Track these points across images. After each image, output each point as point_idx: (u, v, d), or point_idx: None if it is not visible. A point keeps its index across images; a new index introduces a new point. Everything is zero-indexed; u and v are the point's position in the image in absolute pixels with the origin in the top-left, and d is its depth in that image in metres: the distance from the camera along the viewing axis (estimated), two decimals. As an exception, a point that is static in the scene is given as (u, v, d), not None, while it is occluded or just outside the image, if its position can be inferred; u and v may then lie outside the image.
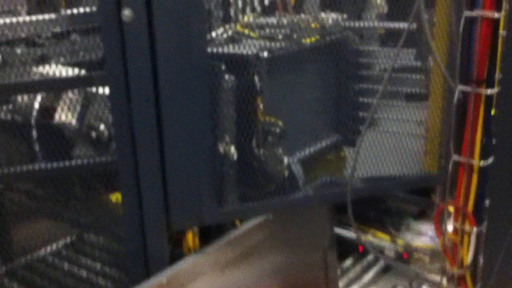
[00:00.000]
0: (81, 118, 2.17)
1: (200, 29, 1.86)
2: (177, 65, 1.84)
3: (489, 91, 1.27)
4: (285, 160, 2.38)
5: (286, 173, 2.39)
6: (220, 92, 2.28)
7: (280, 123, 2.38)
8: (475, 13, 1.25)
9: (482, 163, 1.30)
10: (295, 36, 2.55)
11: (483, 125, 1.30)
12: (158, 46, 1.80)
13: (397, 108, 2.76)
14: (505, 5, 1.24)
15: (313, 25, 2.62)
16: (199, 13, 1.84)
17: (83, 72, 2.08)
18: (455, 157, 1.33)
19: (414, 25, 2.39)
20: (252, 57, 2.33)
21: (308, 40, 2.55)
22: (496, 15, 1.23)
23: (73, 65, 2.31)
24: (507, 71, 1.26)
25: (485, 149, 1.31)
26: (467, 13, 1.26)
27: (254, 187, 2.41)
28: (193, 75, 1.89)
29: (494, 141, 1.29)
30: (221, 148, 2.26)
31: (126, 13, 1.74)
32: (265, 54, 2.33)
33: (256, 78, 2.33)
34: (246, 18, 2.80)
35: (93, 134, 2.14)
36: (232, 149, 2.27)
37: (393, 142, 2.72)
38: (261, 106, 2.35)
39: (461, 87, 1.30)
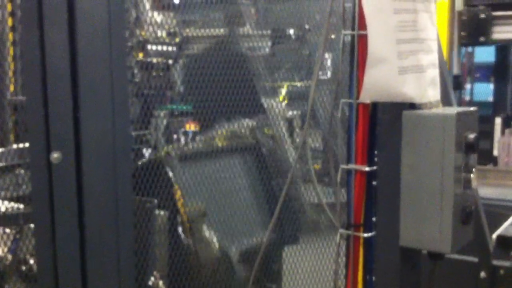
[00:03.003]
0: (13, 251, 2.22)
1: (128, 171, 1.99)
2: (104, 205, 1.93)
3: (366, 234, 1.42)
4: (215, 239, 2.44)
5: (217, 253, 2.42)
6: (150, 227, 2.38)
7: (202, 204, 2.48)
8: (349, 166, 1.43)
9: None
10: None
11: (364, 264, 1.42)
12: (85, 188, 1.90)
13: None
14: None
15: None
16: (127, 154, 1.98)
17: (21, 206, 2.17)
18: (340, 296, 1.44)
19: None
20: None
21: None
22: (367, 168, 1.41)
23: (16, 198, 2.41)
24: (380, 216, 1.41)
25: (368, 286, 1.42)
26: (343, 166, 1.44)
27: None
28: (120, 215, 1.98)
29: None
30: (149, 282, 2.31)
31: (55, 155, 1.87)
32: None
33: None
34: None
35: (24, 268, 2.18)
36: (161, 283, 2.32)
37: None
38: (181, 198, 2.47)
39: (342, 231, 1.44)
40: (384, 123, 1.41)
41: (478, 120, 1.45)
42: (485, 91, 4.73)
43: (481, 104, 4.68)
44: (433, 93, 1.43)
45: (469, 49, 4.78)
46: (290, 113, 3.31)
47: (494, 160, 3.36)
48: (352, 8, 1.44)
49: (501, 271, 2.01)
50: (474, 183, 1.38)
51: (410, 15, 1.38)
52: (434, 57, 1.45)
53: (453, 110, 1.38)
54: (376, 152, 1.44)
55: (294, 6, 3.50)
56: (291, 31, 3.51)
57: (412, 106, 1.40)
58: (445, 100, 1.83)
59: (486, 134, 3.72)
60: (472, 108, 1.45)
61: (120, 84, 1.96)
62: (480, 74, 5.08)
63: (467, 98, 4.97)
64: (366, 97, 1.38)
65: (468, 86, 5.00)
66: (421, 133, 1.34)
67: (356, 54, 1.41)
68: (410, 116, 1.36)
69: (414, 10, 1.39)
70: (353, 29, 1.43)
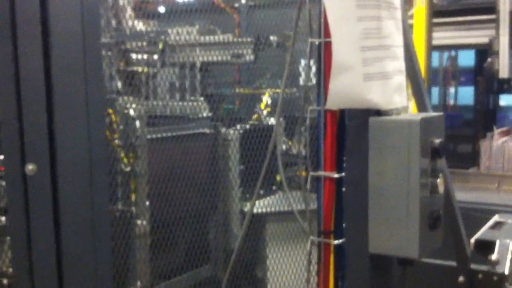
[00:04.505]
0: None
1: (104, 182, 1.99)
2: (80, 216, 1.93)
3: (337, 241, 1.42)
4: None
5: None
6: (132, 238, 2.37)
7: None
8: (319, 173, 1.43)
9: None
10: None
11: (336, 270, 1.43)
12: (61, 199, 1.89)
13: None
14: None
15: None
16: (103, 167, 1.98)
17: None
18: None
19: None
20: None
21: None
22: (336, 175, 1.42)
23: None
24: (349, 222, 1.42)
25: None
26: (312, 173, 1.44)
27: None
28: (97, 226, 1.97)
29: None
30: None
31: (30, 167, 1.86)
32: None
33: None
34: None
35: (5, 281, 2.17)
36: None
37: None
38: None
39: (312, 237, 1.45)
40: (352, 129, 1.41)
41: (444, 125, 1.46)
42: (470, 95, 4.76)
43: (465, 108, 4.72)
44: (399, 99, 1.44)
45: (452, 53, 4.82)
46: (272, 119, 3.32)
47: (478, 164, 3.37)
48: (319, 16, 1.45)
49: (480, 275, 2.01)
50: (441, 188, 1.38)
51: (374, 23, 1.38)
52: (400, 64, 1.46)
53: (418, 116, 1.39)
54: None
55: (277, 13, 3.53)
56: (274, 38, 3.53)
57: (379, 112, 1.41)
58: (421, 106, 1.84)
59: (469, 138, 3.74)
60: (438, 114, 1.45)
61: (95, 96, 1.96)
62: (465, 78, 5.11)
63: (452, 102, 5.00)
64: (332, 104, 1.39)
65: (452, 90, 5.04)
66: (387, 139, 1.35)
67: (323, 61, 1.42)
68: (376, 123, 1.37)
69: (379, 17, 1.40)
70: (319, 37, 1.44)
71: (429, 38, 2.93)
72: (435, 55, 4.69)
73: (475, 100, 4.34)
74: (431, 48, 2.98)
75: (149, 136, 2.49)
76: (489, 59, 3.27)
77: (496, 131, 3.37)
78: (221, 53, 3.54)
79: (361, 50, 1.35)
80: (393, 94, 1.41)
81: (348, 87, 1.35)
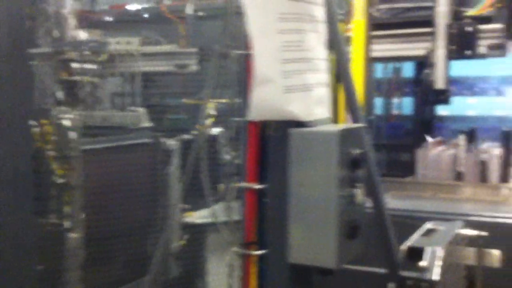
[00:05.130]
0: None
1: (29, 195, 1.95)
2: (3, 230, 1.88)
3: (257, 252, 1.43)
4: None
5: None
6: (64, 251, 2.32)
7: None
8: (241, 184, 1.44)
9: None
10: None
11: (260, 282, 1.43)
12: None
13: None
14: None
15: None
16: (29, 179, 1.94)
17: None
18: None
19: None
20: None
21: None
22: (257, 186, 1.43)
23: None
24: (270, 233, 1.43)
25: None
26: (234, 184, 1.45)
27: None
28: (21, 239, 1.93)
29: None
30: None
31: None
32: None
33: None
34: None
35: None
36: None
37: None
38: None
39: (234, 249, 1.45)
40: (274, 141, 1.43)
41: (363, 137, 1.49)
42: (411, 105, 4.89)
43: (407, 118, 4.84)
44: (321, 111, 1.46)
45: (397, 64, 4.93)
46: (215, 130, 3.31)
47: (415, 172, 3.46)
48: (243, 28, 1.46)
49: (409, 282, 2.05)
50: (360, 198, 1.41)
51: (295, 35, 1.41)
52: (322, 76, 1.49)
53: (338, 127, 1.42)
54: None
55: (222, 24, 3.54)
56: (217, 49, 3.53)
57: (302, 124, 1.43)
58: (353, 117, 1.87)
59: (409, 147, 3.83)
60: (358, 125, 1.48)
61: (22, 106, 1.92)
62: (409, 88, 5.24)
63: (396, 112, 5.12)
64: (254, 115, 1.40)
65: (396, 100, 5.16)
66: (307, 151, 1.36)
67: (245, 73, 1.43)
68: (296, 134, 1.38)
69: (301, 30, 1.42)
70: (243, 49, 1.45)
71: (367, 50, 3.00)
72: (380, 66, 4.79)
73: (414, 111, 4.46)
74: (369, 60, 3.05)
75: (85, 147, 2.45)
76: (426, 71, 3.36)
77: (430, 141, 3.47)
78: (165, 63, 3.53)
79: (281, 62, 1.37)
80: (314, 106, 1.43)
81: (268, 99, 1.36)
